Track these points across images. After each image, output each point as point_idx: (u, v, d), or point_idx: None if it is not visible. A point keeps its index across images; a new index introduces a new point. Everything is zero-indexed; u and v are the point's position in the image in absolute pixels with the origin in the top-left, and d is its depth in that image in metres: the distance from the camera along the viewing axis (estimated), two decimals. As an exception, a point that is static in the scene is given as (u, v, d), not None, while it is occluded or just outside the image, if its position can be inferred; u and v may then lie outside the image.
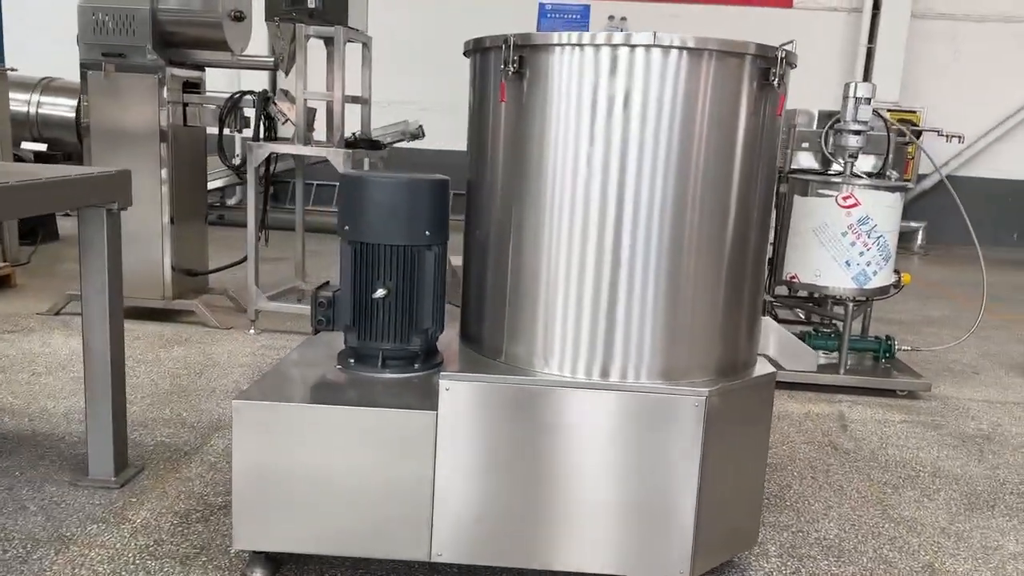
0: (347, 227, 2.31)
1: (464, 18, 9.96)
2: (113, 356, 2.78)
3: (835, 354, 4.52)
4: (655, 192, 2.12)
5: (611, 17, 11.50)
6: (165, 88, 4.79)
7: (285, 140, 4.94)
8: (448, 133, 7.06)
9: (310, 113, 4.89)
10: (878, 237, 4.21)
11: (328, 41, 4.79)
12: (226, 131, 4.91)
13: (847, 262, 4.22)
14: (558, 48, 2.12)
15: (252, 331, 4.92)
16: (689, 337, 2.22)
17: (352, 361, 2.42)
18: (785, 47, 2.17)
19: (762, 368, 2.42)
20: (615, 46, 2.07)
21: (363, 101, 5.08)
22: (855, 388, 4.44)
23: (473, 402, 2.17)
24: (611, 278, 2.15)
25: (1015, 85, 11.48)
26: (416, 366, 2.39)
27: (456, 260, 2.55)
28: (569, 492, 2.19)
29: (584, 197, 2.14)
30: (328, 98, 4.79)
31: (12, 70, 6.95)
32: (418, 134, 5.86)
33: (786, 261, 4.46)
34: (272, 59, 4.86)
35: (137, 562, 2.37)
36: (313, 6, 4.51)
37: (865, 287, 4.27)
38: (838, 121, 4.35)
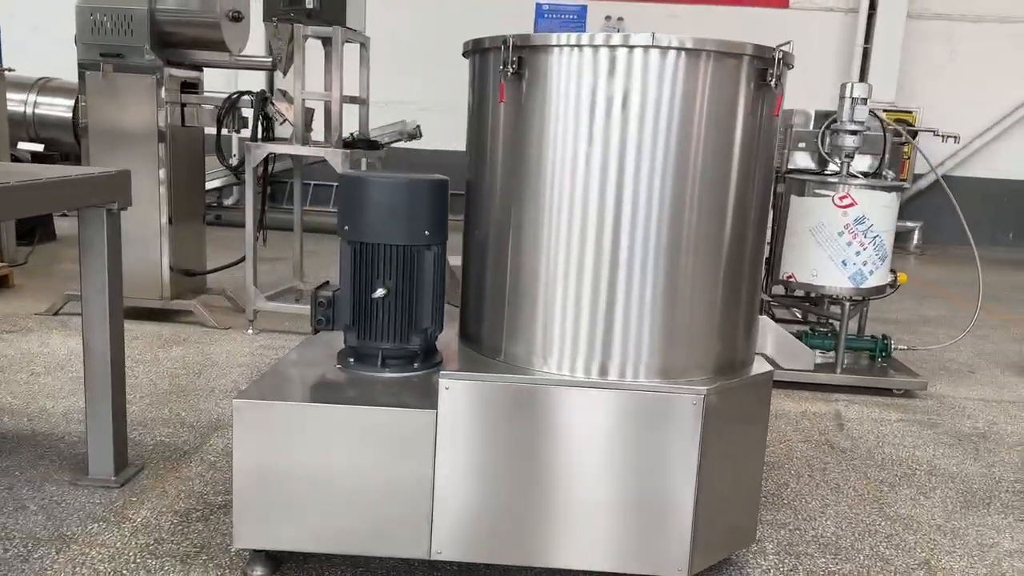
0: (347, 227, 2.32)
1: (463, 18, 9.98)
2: (113, 356, 2.78)
3: (832, 353, 4.54)
4: (653, 192, 2.13)
5: (608, 17, 11.51)
6: (163, 88, 4.80)
7: (283, 140, 4.94)
8: (448, 133, 7.08)
9: (308, 113, 4.89)
10: (874, 237, 4.22)
11: (326, 41, 4.80)
12: (224, 131, 4.92)
13: (843, 262, 4.24)
14: (557, 49, 2.13)
15: (250, 331, 4.93)
16: (687, 336, 2.23)
17: (352, 360, 2.43)
18: (782, 48, 2.18)
19: (759, 367, 2.44)
20: (613, 47, 2.09)
21: (361, 101, 5.09)
22: (852, 387, 4.45)
23: (473, 401, 2.18)
24: (610, 277, 2.17)
25: (1011, 85, 11.51)
26: (416, 365, 2.40)
27: (454, 260, 2.56)
28: (568, 490, 2.20)
29: (583, 197, 2.15)
30: (326, 98, 4.80)
31: (9, 70, 6.94)
32: (415, 134, 5.88)
33: (783, 261, 4.48)
34: (270, 59, 4.87)
35: (138, 561, 2.38)
36: (311, 6, 4.52)
37: (861, 286, 4.29)
38: (835, 121, 4.36)
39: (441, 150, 8.53)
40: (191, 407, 3.65)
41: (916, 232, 11.11)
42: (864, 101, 4.23)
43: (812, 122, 4.73)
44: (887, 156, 4.56)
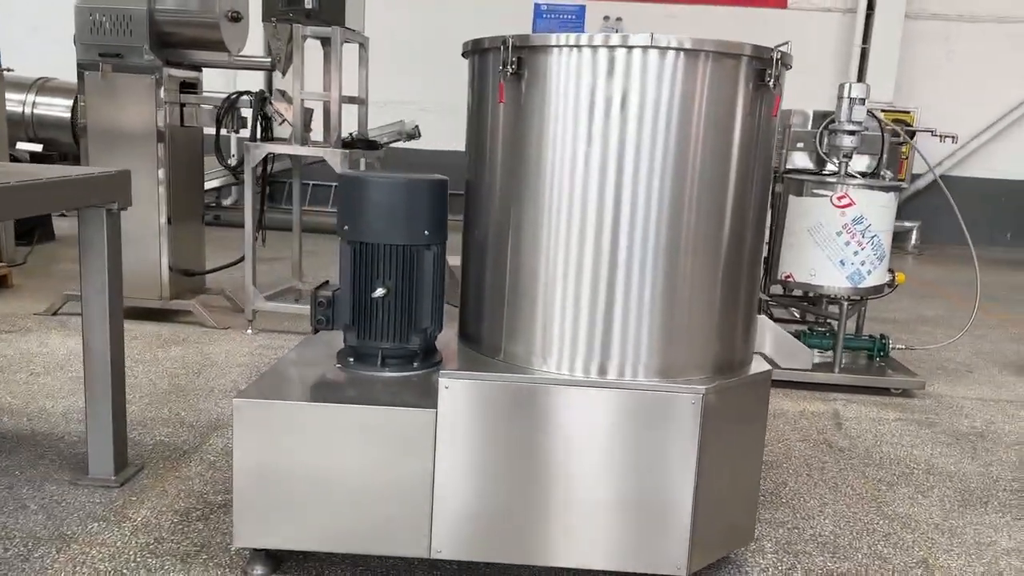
0: (347, 227, 2.32)
1: (462, 18, 10.00)
2: (113, 356, 2.79)
3: (830, 353, 4.55)
4: (652, 192, 2.14)
5: (606, 17, 11.52)
6: (162, 88, 4.80)
7: (282, 140, 4.95)
8: (448, 133, 7.08)
9: (307, 113, 4.90)
10: (872, 236, 4.24)
11: (325, 41, 4.80)
12: (223, 131, 4.92)
13: (842, 261, 4.25)
14: (556, 49, 2.14)
15: (249, 331, 4.93)
16: (686, 335, 2.24)
17: (351, 360, 2.44)
18: (780, 48, 2.19)
19: (758, 366, 2.45)
20: (612, 47, 2.09)
21: (360, 101, 5.09)
22: (850, 386, 4.46)
23: (472, 400, 2.19)
24: (608, 277, 2.17)
25: (1008, 85, 11.53)
26: (415, 365, 2.41)
27: (453, 260, 2.57)
28: (568, 489, 2.21)
29: (582, 197, 2.16)
30: (325, 98, 4.81)
31: (8, 70, 6.94)
32: (414, 134, 5.87)
33: (781, 260, 4.49)
34: (269, 59, 4.87)
35: (138, 560, 2.39)
36: (310, 7, 4.53)
37: (859, 286, 4.30)
38: (833, 121, 4.37)
39: (441, 150, 8.54)
40: (190, 407, 3.65)
41: (914, 232, 11.13)
42: (862, 101, 4.24)
43: (810, 122, 4.74)
44: (885, 156, 4.57)
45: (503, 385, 2.21)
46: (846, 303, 4.42)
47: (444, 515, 2.21)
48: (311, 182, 10.43)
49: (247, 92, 4.88)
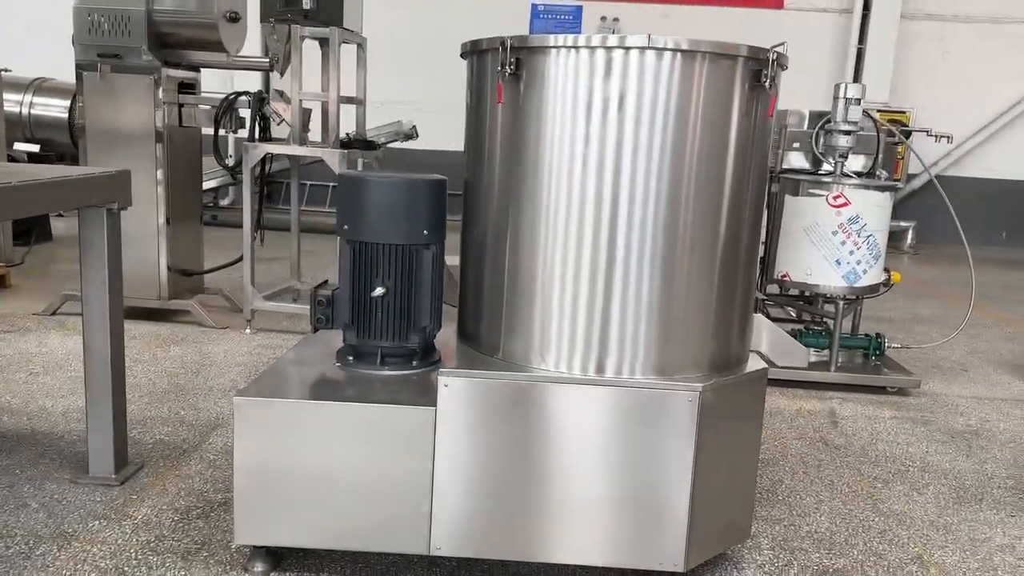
0: (346, 226, 2.34)
1: (461, 19, 10.02)
2: (113, 355, 2.80)
3: (826, 352, 4.58)
4: (649, 192, 2.16)
5: (603, 18, 11.54)
6: (160, 89, 4.81)
7: (280, 140, 4.96)
8: (446, 134, 7.09)
9: (305, 114, 4.91)
10: (868, 236, 4.26)
11: (323, 42, 4.82)
12: (221, 132, 4.93)
13: (837, 261, 4.27)
14: (554, 50, 2.16)
15: (248, 331, 4.94)
16: (683, 334, 2.26)
17: (351, 359, 2.45)
18: (776, 48, 2.21)
19: (754, 364, 2.46)
20: (610, 48, 2.11)
21: (358, 102, 5.11)
22: (846, 385, 4.49)
23: (471, 398, 2.21)
24: (606, 276, 2.19)
25: (1004, 85, 11.58)
26: (414, 363, 2.43)
27: (452, 260, 2.58)
28: (566, 486, 2.23)
29: (580, 197, 2.18)
30: (323, 99, 4.82)
31: (6, 71, 6.94)
32: (412, 134, 5.88)
33: (777, 260, 4.51)
34: (267, 60, 4.88)
35: (139, 557, 2.40)
36: (308, 7, 4.54)
37: (855, 285, 4.32)
38: (828, 121, 4.40)
39: (439, 150, 8.54)
40: (190, 406, 3.66)
41: (910, 231, 11.16)
42: (858, 101, 4.27)
43: (806, 122, 4.76)
44: (881, 156, 4.59)
45: (502, 383, 2.22)
46: (842, 302, 4.44)
47: (443, 512, 2.23)
48: (309, 182, 10.43)
49: (245, 92, 4.89)
